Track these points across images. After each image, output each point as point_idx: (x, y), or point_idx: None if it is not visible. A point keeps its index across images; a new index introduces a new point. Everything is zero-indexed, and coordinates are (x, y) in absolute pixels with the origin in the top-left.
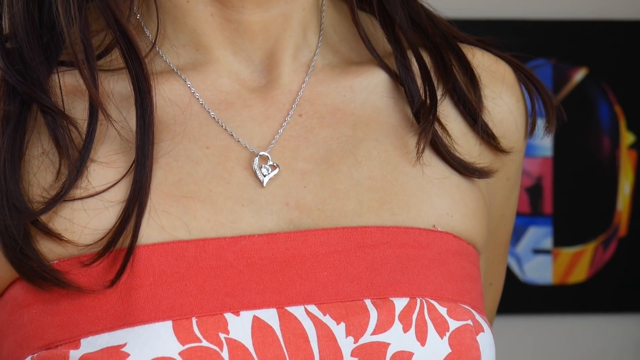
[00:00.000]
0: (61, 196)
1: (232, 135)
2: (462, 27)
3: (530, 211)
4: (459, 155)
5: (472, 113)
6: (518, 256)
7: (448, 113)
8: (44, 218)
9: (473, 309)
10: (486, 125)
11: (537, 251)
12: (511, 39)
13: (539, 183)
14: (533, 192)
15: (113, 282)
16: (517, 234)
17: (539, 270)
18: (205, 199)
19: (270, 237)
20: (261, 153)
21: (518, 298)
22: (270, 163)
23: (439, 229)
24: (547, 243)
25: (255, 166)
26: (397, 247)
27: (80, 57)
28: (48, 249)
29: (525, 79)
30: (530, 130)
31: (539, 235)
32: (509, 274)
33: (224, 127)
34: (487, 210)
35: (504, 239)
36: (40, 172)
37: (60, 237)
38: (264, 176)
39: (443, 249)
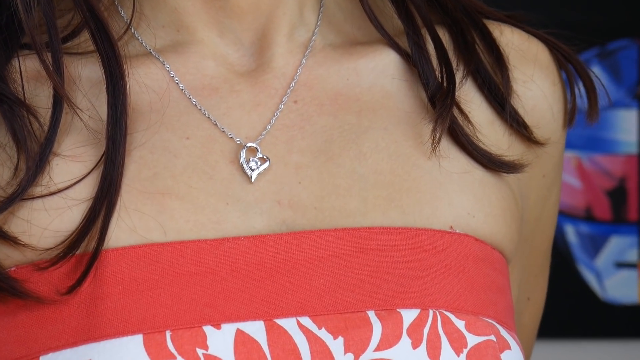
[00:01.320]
0: (18, 194)
1: (215, 124)
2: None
3: (612, 218)
4: (483, 146)
5: (499, 98)
6: (598, 271)
7: (471, 98)
8: None
9: (498, 323)
10: (516, 112)
11: (621, 265)
12: (589, 15)
13: (622, 185)
14: (615, 195)
15: (72, 289)
16: (596, 245)
17: (623, 288)
18: (184, 196)
19: (258, 240)
20: (249, 144)
21: (598, 320)
22: (260, 156)
23: (457, 231)
24: (633, 255)
25: (242, 159)
26: (407, 251)
27: (36, 40)
28: (4, 254)
29: (564, 60)
30: (569, 119)
31: (623, 246)
32: (587, 292)
33: (206, 115)
34: (519, 211)
35: (542, 246)
36: None
37: (17, 241)
38: (252, 170)
39: (462, 254)
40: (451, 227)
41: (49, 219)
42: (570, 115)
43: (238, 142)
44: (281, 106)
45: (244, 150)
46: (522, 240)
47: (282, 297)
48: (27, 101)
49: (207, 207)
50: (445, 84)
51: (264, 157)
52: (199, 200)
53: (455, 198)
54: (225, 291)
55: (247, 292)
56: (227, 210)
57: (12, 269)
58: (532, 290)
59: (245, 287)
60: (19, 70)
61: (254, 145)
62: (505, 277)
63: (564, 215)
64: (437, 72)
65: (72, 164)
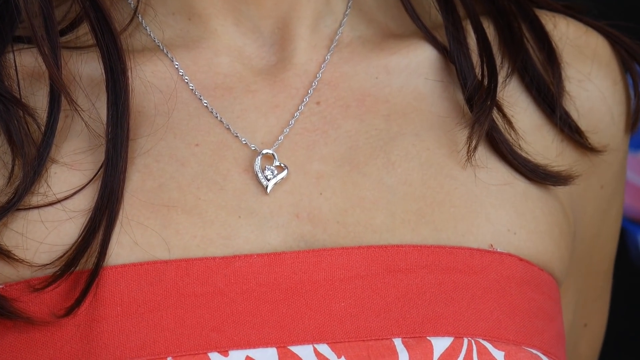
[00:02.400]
0: (13, 204)
1: (228, 128)
2: None
3: None
4: (526, 155)
5: (548, 100)
6: None
7: (516, 100)
8: None
9: (544, 354)
10: (567, 116)
11: None
12: None
13: None
14: None
15: (69, 311)
16: None
17: None
18: (192, 209)
19: (273, 258)
20: (265, 151)
21: None
22: (277, 164)
23: (497, 249)
24: None
25: (257, 168)
26: (440, 272)
27: (39, 32)
28: None
29: (627, 56)
30: (633, 122)
31: None
32: None
33: (219, 118)
34: (571, 227)
35: (601, 266)
36: None
37: (10, 256)
38: (268, 180)
39: (503, 276)
40: (491, 246)
41: (45, 232)
42: (634, 118)
43: (253, 148)
44: (302, 107)
45: (259, 157)
46: (576, 259)
47: (297, 322)
48: (23, 100)
49: (216, 221)
50: (485, 82)
51: (282, 165)
52: (208, 213)
53: (494, 213)
54: (234, 314)
55: (258, 315)
56: (238, 225)
57: (1, 286)
58: (589, 315)
59: (256, 310)
60: (14, 65)
61: (270, 151)
62: (555, 302)
63: (635, 223)
64: (478, 70)
65: (71, 172)
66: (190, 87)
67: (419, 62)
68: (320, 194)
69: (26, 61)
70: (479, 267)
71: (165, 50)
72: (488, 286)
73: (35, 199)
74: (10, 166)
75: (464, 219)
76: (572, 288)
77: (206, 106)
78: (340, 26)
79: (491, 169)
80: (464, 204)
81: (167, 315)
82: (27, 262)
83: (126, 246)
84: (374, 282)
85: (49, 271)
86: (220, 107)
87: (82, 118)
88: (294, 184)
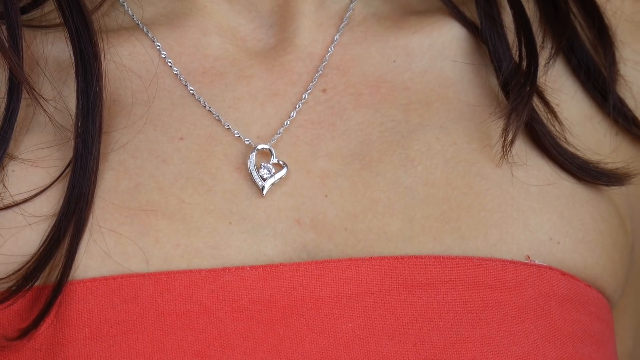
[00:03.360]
0: None
1: (219, 119)
2: None
3: None
4: (574, 151)
5: (600, 85)
6: None
7: (560, 86)
8: None
9: None
10: (623, 104)
11: None
12: None
13: None
14: None
15: (24, 333)
16: None
17: None
18: (174, 214)
19: (269, 270)
20: (261, 146)
21: None
22: (275, 161)
23: (536, 262)
24: None
25: (252, 165)
26: (466, 287)
27: None
28: None
29: None
30: None
31: None
32: None
33: (207, 108)
34: (628, 236)
35: None
36: None
37: None
38: (264, 180)
39: (541, 293)
40: (528, 257)
41: (0, 240)
42: None
43: (247, 142)
44: (305, 96)
45: (253, 153)
46: (634, 275)
47: (297, 346)
48: None
49: (203, 227)
50: (524, 65)
51: (280, 162)
52: (193, 218)
53: (533, 218)
54: (222, 337)
55: (251, 338)
56: (229, 232)
57: None
58: None
59: (249, 331)
60: None
61: (267, 147)
62: (606, 324)
63: None
64: (515, 51)
65: (33, 171)
66: (174, 72)
67: (444, 42)
68: (326, 196)
69: None
70: (513, 283)
71: (145, 30)
72: (523, 305)
73: None
74: None
75: (496, 226)
76: (631, 309)
77: (192, 94)
78: (351, 1)
79: (531, 167)
80: (497, 208)
81: (144, 338)
82: None
83: (96, 257)
84: (388, 299)
85: (4, 286)
86: (209, 95)
87: (45, 110)
88: (295, 184)
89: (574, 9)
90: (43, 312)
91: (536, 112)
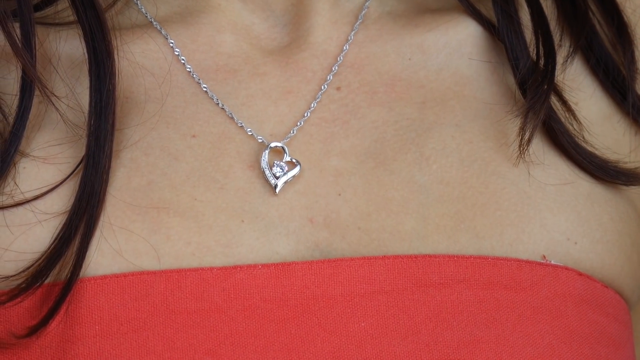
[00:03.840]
0: None
1: (231, 117)
2: None
3: None
4: (592, 150)
5: (619, 84)
6: None
7: (579, 84)
8: None
9: None
10: None
11: None
12: None
13: None
14: None
15: (33, 331)
16: None
17: None
18: (186, 212)
19: (281, 269)
20: (274, 144)
21: None
22: (287, 159)
23: (552, 262)
24: None
25: (264, 163)
26: (481, 287)
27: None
28: None
29: None
30: None
31: None
32: None
33: (220, 105)
34: None
35: None
36: None
37: None
38: (277, 178)
39: (558, 293)
40: (544, 257)
41: (10, 238)
42: None
43: (260, 140)
44: (320, 94)
45: (266, 151)
46: None
47: (308, 345)
48: None
49: (215, 225)
50: (541, 63)
51: (293, 160)
52: (205, 216)
53: (550, 218)
54: (233, 335)
55: (262, 336)
56: (241, 230)
57: None
58: None
59: (260, 330)
60: None
61: (279, 145)
62: (624, 326)
63: None
64: (532, 49)
65: (44, 168)
66: (188, 69)
67: (460, 39)
68: (339, 194)
69: None
70: (529, 283)
71: (158, 27)
72: (539, 305)
73: (0, 199)
74: None
75: (512, 225)
76: None
77: (205, 91)
78: (366, 0)
79: (549, 166)
80: (513, 207)
81: (154, 336)
82: None
83: (107, 254)
84: (401, 298)
85: (14, 283)
86: (223, 92)
87: (56, 108)
88: (308, 182)
89: (593, 7)
90: (52, 310)
91: (554, 111)
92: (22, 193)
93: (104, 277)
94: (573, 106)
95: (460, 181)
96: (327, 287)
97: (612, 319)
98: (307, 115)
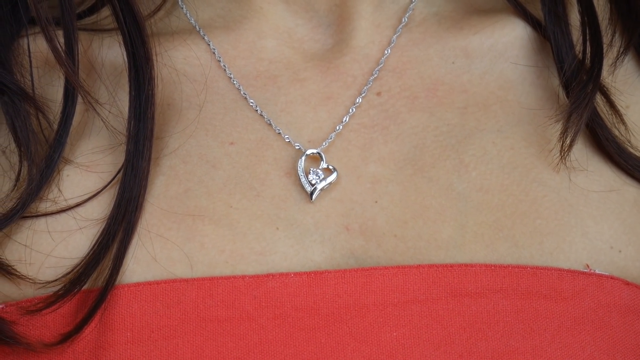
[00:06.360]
0: (18, 211)
1: (270, 124)
2: None
3: None
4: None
5: None
6: None
7: (628, 87)
8: None
9: None
10: None
11: None
12: None
13: None
14: None
15: (68, 336)
16: None
17: None
18: (221, 219)
19: (314, 277)
20: (310, 151)
21: None
22: (324, 166)
23: (596, 271)
24: None
25: (301, 170)
26: (519, 297)
27: (39, 10)
28: None
29: None
30: None
31: None
32: None
33: (259, 112)
34: None
35: None
36: None
37: (11, 272)
38: (313, 185)
39: (601, 303)
40: (587, 266)
41: (52, 244)
42: None
43: (297, 147)
44: (359, 99)
45: (302, 158)
46: None
47: (339, 354)
48: (36, 92)
49: (249, 233)
50: (587, 63)
51: (330, 167)
52: (240, 224)
53: (593, 226)
54: (263, 343)
55: (292, 345)
56: (276, 238)
57: (1, 306)
58: None
59: (290, 338)
60: (27, 52)
61: (316, 151)
62: None
63: None
64: (579, 48)
65: (86, 175)
66: (229, 75)
67: (506, 42)
68: (376, 202)
69: (43, 46)
70: (570, 292)
71: (202, 33)
72: (580, 315)
73: (43, 206)
74: (18, 168)
75: (552, 234)
76: None
77: (245, 97)
78: (411, 2)
79: (592, 172)
80: (554, 215)
81: (184, 343)
82: (29, 278)
83: (143, 262)
84: (435, 307)
85: (52, 289)
86: (262, 98)
87: (98, 114)
88: (345, 189)
89: None
90: (87, 317)
91: (599, 115)
92: (65, 200)
93: (137, 284)
94: (622, 110)
95: (499, 189)
96: (359, 295)
97: None
98: (345, 120)
